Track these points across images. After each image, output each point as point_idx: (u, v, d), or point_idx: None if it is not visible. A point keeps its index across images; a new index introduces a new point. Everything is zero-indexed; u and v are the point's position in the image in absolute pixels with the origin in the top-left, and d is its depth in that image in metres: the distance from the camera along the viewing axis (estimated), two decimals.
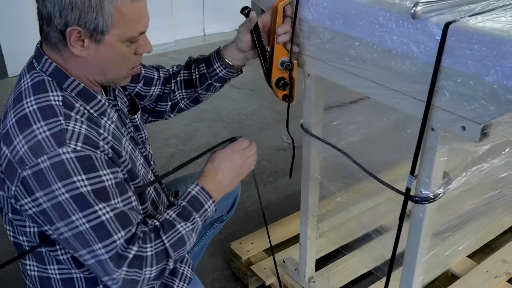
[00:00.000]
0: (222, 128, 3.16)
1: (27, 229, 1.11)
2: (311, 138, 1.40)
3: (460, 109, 0.97)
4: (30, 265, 1.19)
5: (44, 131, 1.01)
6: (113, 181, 1.06)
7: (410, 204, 1.15)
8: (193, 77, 1.45)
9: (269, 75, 1.31)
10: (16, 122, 1.03)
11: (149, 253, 1.08)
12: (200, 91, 1.46)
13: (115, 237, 1.04)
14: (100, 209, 1.03)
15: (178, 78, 1.46)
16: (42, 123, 1.01)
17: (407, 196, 1.14)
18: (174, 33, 4.72)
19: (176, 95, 1.47)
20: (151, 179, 1.31)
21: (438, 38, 0.95)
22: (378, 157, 1.30)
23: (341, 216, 1.49)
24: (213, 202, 1.20)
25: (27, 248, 1.16)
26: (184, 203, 1.16)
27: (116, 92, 1.26)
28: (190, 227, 1.14)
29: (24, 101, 1.04)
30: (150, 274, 1.09)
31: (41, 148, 0.99)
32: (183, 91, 1.47)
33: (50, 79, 1.08)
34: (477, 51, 0.90)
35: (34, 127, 1.01)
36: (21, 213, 1.08)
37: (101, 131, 1.09)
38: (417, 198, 1.13)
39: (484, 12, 0.99)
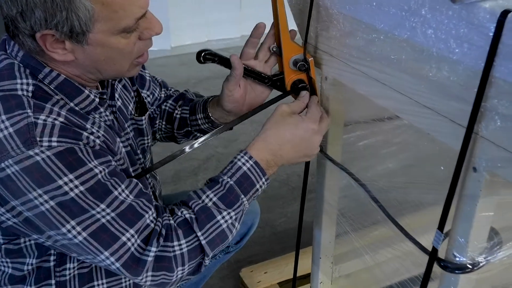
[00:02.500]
0: None
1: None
2: (327, 161, 1.09)
3: None
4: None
5: (6, 127, 0.79)
6: (106, 170, 0.84)
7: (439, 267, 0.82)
8: (174, 115, 1.20)
9: (278, 79, 1.03)
10: None
11: (177, 252, 0.87)
12: (176, 134, 1.22)
13: (123, 238, 0.83)
14: (99, 212, 0.82)
15: (163, 107, 1.22)
16: (3, 117, 0.80)
17: (433, 257, 0.80)
18: (241, 28, 4.49)
19: (156, 124, 1.23)
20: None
21: (491, 33, 0.62)
22: (410, 195, 0.97)
23: (358, 263, 1.17)
24: (267, 179, 0.96)
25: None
26: (231, 181, 0.91)
27: (118, 88, 1.03)
28: (234, 216, 0.91)
29: None
30: (183, 272, 0.90)
31: (4, 150, 0.78)
32: (163, 122, 1.23)
33: (21, 65, 0.86)
34: None
35: None
36: None
37: (89, 125, 0.87)
38: (447, 264, 0.79)
39: None
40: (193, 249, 0.89)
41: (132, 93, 1.10)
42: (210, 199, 0.90)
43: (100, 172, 0.83)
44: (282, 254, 1.86)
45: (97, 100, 0.92)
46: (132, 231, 0.83)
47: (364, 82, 0.90)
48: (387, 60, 0.82)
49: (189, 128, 1.18)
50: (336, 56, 0.96)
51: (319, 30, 0.98)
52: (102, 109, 0.94)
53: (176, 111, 1.20)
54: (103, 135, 0.89)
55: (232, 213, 0.91)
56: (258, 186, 0.94)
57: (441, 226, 0.76)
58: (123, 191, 0.85)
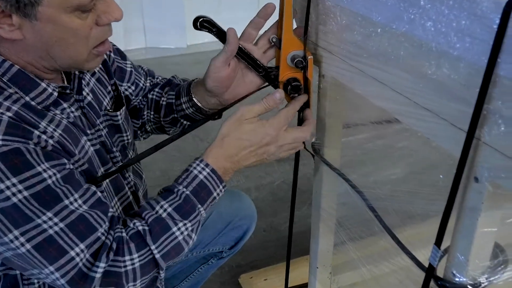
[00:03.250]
0: None
1: None
2: (323, 165, 1.01)
3: None
4: None
5: None
6: (58, 175, 0.77)
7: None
8: (161, 102, 1.13)
9: (272, 74, 0.96)
10: None
11: (129, 268, 0.80)
12: (163, 123, 1.14)
13: (72, 253, 0.76)
14: (45, 221, 0.75)
15: (150, 96, 1.14)
16: None
17: (430, 275, 0.72)
18: None
19: (144, 115, 1.16)
20: (124, 196, 1.00)
21: (495, 25, 0.55)
22: (410, 205, 0.89)
23: (356, 275, 1.09)
24: (224, 186, 0.91)
25: None
26: (187, 191, 0.86)
27: (91, 81, 0.97)
28: (191, 227, 0.86)
29: None
30: (135, 286, 0.82)
31: None
32: (151, 112, 1.15)
33: None
34: None
35: None
36: None
37: (43, 123, 0.80)
38: (445, 284, 0.71)
39: None
40: (146, 263, 0.82)
41: (109, 87, 1.03)
42: (165, 210, 0.84)
43: (50, 176, 0.76)
44: (284, 261, 1.79)
45: (55, 94, 0.85)
46: (82, 246, 0.77)
47: (361, 80, 0.82)
48: (385, 56, 0.75)
49: (175, 115, 1.10)
50: (334, 52, 0.89)
51: (317, 25, 0.91)
52: (65, 105, 0.88)
53: (162, 98, 1.13)
54: (60, 134, 0.82)
55: (189, 224, 0.85)
56: (215, 194, 0.89)
57: (438, 241, 0.68)
58: (75, 200, 0.78)
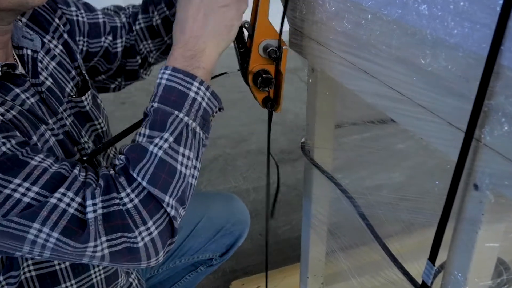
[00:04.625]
0: (282, 134, 2.72)
1: None
2: (314, 168, 0.93)
3: None
4: None
5: None
6: (13, 141, 0.68)
7: None
8: (153, 23, 1.02)
9: (245, 65, 0.86)
10: None
11: (129, 205, 0.68)
12: (169, 41, 1.03)
13: (53, 200, 0.66)
14: (14, 189, 0.65)
15: (138, 26, 1.04)
16: None
17: None
18: None
19: (142, 49, 1.05)
20: None
21: (498, 7, 0.46)
22: (404, 212, 0.81)
23: (348, 286, 1.01)
24: (201, 82, 0.75)
25: None
26: (155, 104, 0.74)
27: (49, 66, 0.88)
28: (172, 139, 0.71)
29: None
30: (150, 232, 0.69)
31: None
32: (149, 41, 1.04)
33: None
34: None
35: None
36: None
37: None
38: None
39: None
40: (144, 198, 0.69)
41: (73, 72, 0.94)
42: (144, 135, 0.72)
43: (4, 143, 0.66)
44: (283, 266, 1.71)
45: None
46: (61, 189, 0.67)
47: (352, 74, 0.74)
48: (376, 47, 0.67)
49: None
50: (323, 44, 0.81)
51: (305, 13, 0.83)
52: (18, 90, 0.77)
53: (154, 19, 1.02)
54: (13, 116, 0.72)
55: (167, 135, 0.71)
56: (192, 93, 0.74)
57: (432, 256, 0.60)
58: (43, 159, 0.68)
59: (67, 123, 0.87)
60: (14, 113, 0.73)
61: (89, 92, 0.95)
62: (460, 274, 0.60)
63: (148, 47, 1.05)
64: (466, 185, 0.56)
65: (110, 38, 1.02)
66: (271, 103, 0.86)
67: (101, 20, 1.01)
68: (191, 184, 0.74)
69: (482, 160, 0.53)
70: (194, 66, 0.75)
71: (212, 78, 0.82)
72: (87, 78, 0.97)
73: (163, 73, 0.75)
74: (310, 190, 0.96)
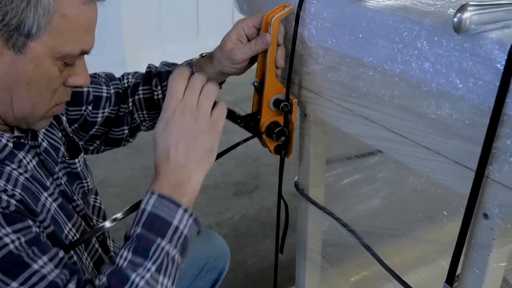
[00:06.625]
0: (236, 167, 2.78)
1: None
2: (309, 204, 1.00)
3: None
4: None
5: None
6: (22, 239, 0.68)
7: None
8: (155, 96, 1.05)
9: (255, 119, 0.92)
10: None
11: None
12: None
13: None
14: None
15: (136, 97, 1.06)
16: None
17: None
18: None
19: (136, 118, 1.07)
20: (92, 249, 0.93)
21: (501, 66, 0.56)
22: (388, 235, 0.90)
23: None
24: (185, 210, 0.75)
25: None
26: (138, 230, 0.74)
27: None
28: (154, 268, 0.72)
29: None
30: None
31: None
32: (144, 112, 1.07)
33: None
34: None
35: None
36: None
37: (1, 182, 0.72)
38: None
39: None
40: None
41: (60, 133, 0.96)
42: (125, 259, 0.74)
43: (12, 242, 0.67)
44: None
45: (10, 145, 0.77)
46: None
47: (351, 120, 0.82)
48: (377, 96, 0.75)
49: None
50: (318, 92, 0.89)
51: (298, 65, 0.90)
52: (21, 155, 0.79)
53: (155, 92, 1.04)
54: (20, 193, 0.74)
55: (149, 264, 0.72)
56: (175, 222, 0.75)
57: (450, 280, 0.68)
58: (45, 264, 0.70)
59: (62, 182, 0.89)
60: (19, 190, 0.74)
61: (81, 154, 0.97)
62: None
63: (142, 116, 1.07)
64: (476, 215, 0.64)
65: (90, 108, 1.03)
66: (285, 151, 0.93)
67: (85, 89, 1.02)
68: None
69: (491, 194, 0.62)
70: (181, 193, 0.76)
71: (226, 151, 0.90)
72: (76, 140, 0.99)
73: (149, 198, 0.75)
74: (306, 223, 1.03)
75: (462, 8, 0.56)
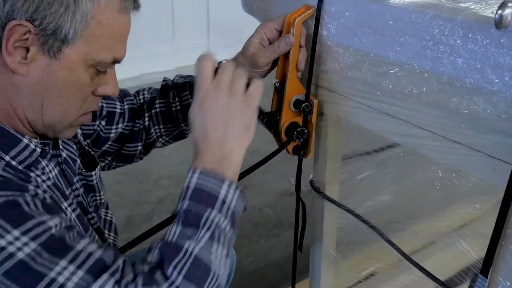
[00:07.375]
0: None
1: None
2: (325, 201, 1.01)
3: None
4: None
5: None
6: (63, 224, 0.67)
7: None
8: (173, 109, 1.04)
9: (275, 119, 0.92)
10: None
11: None
12: (185, 127, 1.05)
13: (99, 283, 0.65)
14: (60, 272, 0.64)
15: (153, 111, 1.05)
16: None
17: None
18: (177, 60, 4.37)
19: (152, 133, 1.06)
20: None
21: None
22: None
23: None
24: (230, 184, 0.74)
25: None
26: (184, 206, 0.73)
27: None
28: (207, 236, 0.71)
29: None
30: None
31: None
32: (161, 126, 1.05)
33: None
34: None
35: None
36: None
37: (31, 186, 0.70)
38: None
39: None
40: None
41: (75, 146, 0.94)
42: (175, 232, 0.73)
43: (56, 225, 0.66)
44: None
45: (38, 150, 0.77)
46: (105, 276, 0.66)
47: (373, 118, 0.83)
48: (404, 93, 0.76)
49: None
50: (336, 91, 0.90)
51: (316, 64, 0.91)
52: (44, 162, 0.79)
53: (173, 105, 1.03)
54: (49, 190, 0.74)
55: (202, 232, 0.71)
56: (222, 195, 0.74)
57: (485, 271, 0.70)
58: (88, 244, 0.69)
59: (80, 193, 0.88)
60: (47, 197, 0.73)
61: (98, 167, 0.96)
62: (508, 282, 0.70)
63: (159, 131, 1.06)
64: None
65: (103, 123, 1.02)
66: (304, 152, 0.94)
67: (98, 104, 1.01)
68: (223, 283, 0.75)
69: None
70: (224, 167, 0.76)
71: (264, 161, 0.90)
72: (92, 153, 0.98)
73: (193, 174, 0.75)
74: (322, 221, 1.03)
75: (503, 5, 0.58)
